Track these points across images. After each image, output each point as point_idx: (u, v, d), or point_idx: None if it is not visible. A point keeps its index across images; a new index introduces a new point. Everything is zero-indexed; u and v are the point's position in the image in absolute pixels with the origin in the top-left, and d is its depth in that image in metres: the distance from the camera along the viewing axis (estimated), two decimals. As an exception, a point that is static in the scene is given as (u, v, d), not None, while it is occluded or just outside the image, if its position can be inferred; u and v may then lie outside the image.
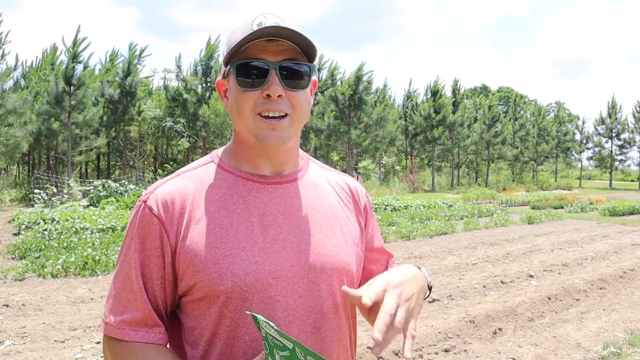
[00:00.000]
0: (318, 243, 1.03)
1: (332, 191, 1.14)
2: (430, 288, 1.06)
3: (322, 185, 1.13)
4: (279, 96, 0.96)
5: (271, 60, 0.96)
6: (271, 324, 0.83)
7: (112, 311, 0.99)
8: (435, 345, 4.33)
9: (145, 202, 1.00)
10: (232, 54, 0.97)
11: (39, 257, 7.46)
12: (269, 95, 0.96)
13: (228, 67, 1.00)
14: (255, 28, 0.94)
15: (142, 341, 0.97)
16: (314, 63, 1.02)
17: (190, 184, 1.03)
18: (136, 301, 0.98)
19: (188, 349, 1.02)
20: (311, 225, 1.04)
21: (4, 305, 5.28)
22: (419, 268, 1.05)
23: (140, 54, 24.72)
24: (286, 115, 0.98)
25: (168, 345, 1.05)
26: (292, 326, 0.97)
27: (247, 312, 0.93)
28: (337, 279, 1.04)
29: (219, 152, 1.10)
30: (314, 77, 1.05)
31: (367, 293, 0.90)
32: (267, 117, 0.97)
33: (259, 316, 0.85)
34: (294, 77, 0.98)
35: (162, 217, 0.98)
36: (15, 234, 10.16)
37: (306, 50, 0.99)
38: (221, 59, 1.02)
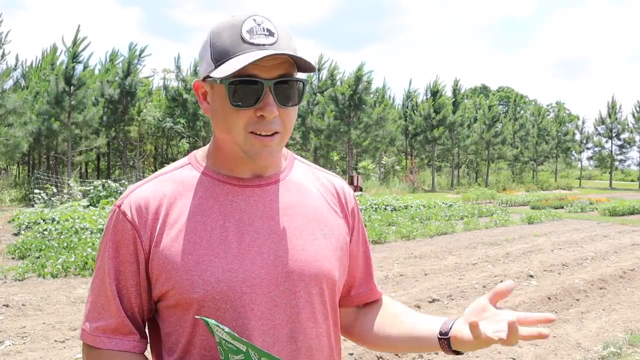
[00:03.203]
0: (297, 249, 0.99)
1: (316, 192, 1.08)
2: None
3: (306, 186, 1.08)
4: (274, 116, 0.92)
5: (265, 77, 0.90)
6: (223, 327, 0.81)
7: (88, 318, 0.98)
8: (435, 345, 4.33)
9: (119, 206, 0.97)
10: (218, 63, 0.92)
11: (39, 257, 7.46)
12: (263, 116, 0.91)
13: (218, 81, 0.92)
14: (247, 36, 0.90)
15: (116, 349, 0.96)
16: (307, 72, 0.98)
17: (165, 187, 0.99)
18: (110, 308, 0.96)
19: (165, 355, 0.99)
20: (290, 230, 1.00)
21: (4, 305, 5.28)
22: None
23: (140, 54, 24.74)
24: (277, 132, 0.95)
25: (149, 351, 1.03)
26: (267, 336, 0.94)
27: (196, 316, 0.90)
28: (317, 287, 1.00)
29: (196, 154, 1.06)
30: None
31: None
32: (259, 135, 0.93)
33: (209, 320, 0.83)
34: (288, 95, 0.93)
35: (135, 222, 0.95)
36: (15, 234, 10.17)
37: (298, 61, 0.92)
38: (208, 56, 0.95)
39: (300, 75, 0.96)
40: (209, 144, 1.06)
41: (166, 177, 1.02)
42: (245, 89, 0.91)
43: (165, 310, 0.97)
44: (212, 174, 1.01)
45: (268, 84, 0.91)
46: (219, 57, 0.92)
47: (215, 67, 0.92)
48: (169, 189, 0.99)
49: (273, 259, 0.96)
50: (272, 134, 0.94)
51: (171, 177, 1.01)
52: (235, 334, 0.81)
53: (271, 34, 0.91)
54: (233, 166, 1.00)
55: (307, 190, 1.07)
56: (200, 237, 0.95)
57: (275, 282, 0.96)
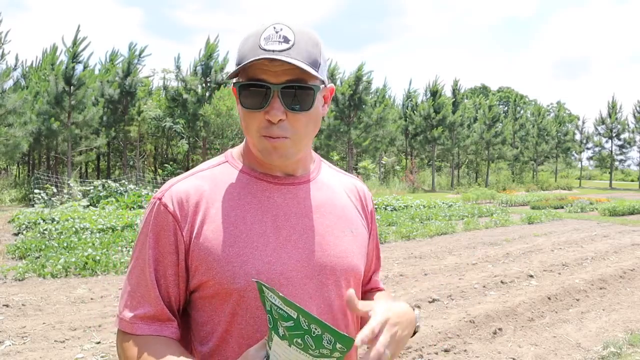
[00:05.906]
0: (329, 245, 1.05)
1: (343, 193, 1.15)
2: (415, 332, 1.07)
3: (333, 186, 1.14)
4: (280, 120, 0.95)
5: (273, 82, 0.93)
6: (276, 291, 0.82)
7: (127, 306, 1.00)
8: (435, 345, 4.33)
9: (160, 199, 1.01)
10: (237, 68, 0.96)
11: (39, 257, 7.46)
12: (269, 120, 0.95)
13: (232, 84, 0.99)
14: (263, 43, 0.93)
15: (155, 334, 0.98)
16: (323, 79, 0.98)
17: (205, 183, 1.04)
18: (149, 297, 0.99)
19: (197, 345, 1.03)
20: (323, 227, 1.05)
21: (4, 305, 5.28)
22: (414, 309, 1.07)
23: (140, 54, 24.71)
24: (287, 137, 0.97)
25: None
26: None
27: (252, 279, 0.94)
28: (346, 281, 1.06)
29: (232, 152, 1.12)
30: (330, 86, 1.03)
31: (370, 323, 0.92)
32: (271, 137, 0.96)
33: (265, 285, 0.84)
34: (296, 100, 0.95)
35: (176, 214, 0.99)
36: (15, 234, 10.16)
37: (313, 68, 0.95)
38: (235, 61, 1.01)
39: (313, 83, 0.97)
40: (242, 144, 1.11)
41: (205, 174, 1.06)
42: (253, 92, 0.95)
43: (201, 300, 1.01)
44: (249, 171, 1.06)
45: (275, 88, 0.94)
46: (239, 61, 0.97)
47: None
48: (208, 185, 1.03)
49: (308, 254, 1.02)
50: (282, 138, 0.97)
51: (210, 174, 1.06)
52: (289, 299, 0.81)
53: (286, 40, 0.93)
54: (264, 165, 1.05)
55: (335, 190, 1.14)
56: (240, 231, 0.99)
57: (310, 275, 1.01)
